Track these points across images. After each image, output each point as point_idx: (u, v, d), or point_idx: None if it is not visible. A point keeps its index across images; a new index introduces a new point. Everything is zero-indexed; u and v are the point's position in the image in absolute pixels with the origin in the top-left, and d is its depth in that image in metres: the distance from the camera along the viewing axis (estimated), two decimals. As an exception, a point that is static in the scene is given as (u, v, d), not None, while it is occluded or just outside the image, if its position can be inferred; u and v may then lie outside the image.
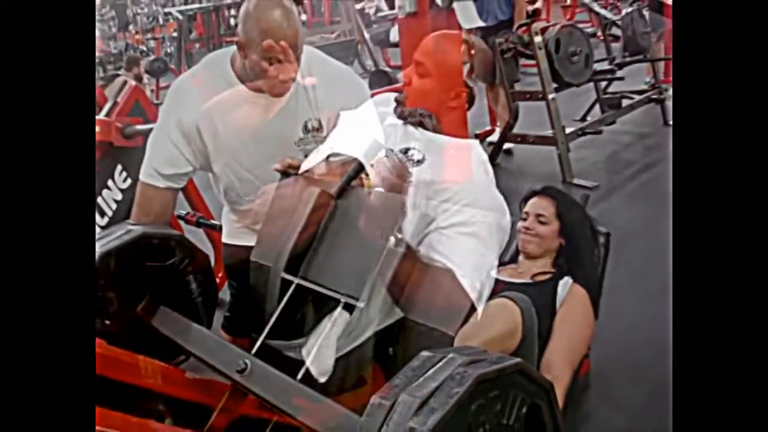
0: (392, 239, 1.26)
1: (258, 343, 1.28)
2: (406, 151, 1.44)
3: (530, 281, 1.97)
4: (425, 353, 1.02)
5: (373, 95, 1.81)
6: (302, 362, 1.25)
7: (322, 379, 1.25)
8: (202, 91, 1.77)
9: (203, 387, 1.45)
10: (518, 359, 1.01)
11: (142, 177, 1.83)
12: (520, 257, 2.10)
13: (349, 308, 1.26)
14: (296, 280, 1.32)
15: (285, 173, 1.49)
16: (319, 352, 1.26)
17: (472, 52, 3.94)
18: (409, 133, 1.50)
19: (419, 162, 1.42)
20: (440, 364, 0.98)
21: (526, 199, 2.15)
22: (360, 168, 1.36)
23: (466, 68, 1.58)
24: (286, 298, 1.31)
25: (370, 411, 0.94)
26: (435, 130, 1.56)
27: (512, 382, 0.99)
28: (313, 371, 1.24)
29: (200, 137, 1.77)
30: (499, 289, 1.81)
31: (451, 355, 1.00)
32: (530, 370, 1.02)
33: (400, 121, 1.52)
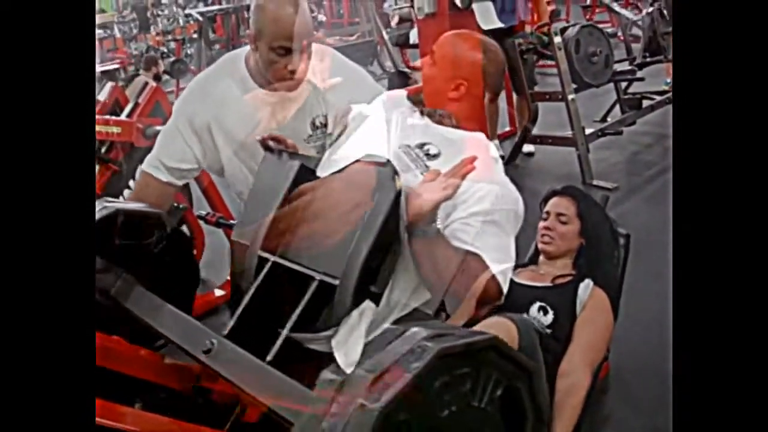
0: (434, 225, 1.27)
1: (232, 322, 1.23)
2: (422, 145, 1.47)
3: (550, 284, 1.96)
4: (386, 327, 0.96)
5: None
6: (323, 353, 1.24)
7: (349, 371, 1.24)
8: (215, 89, 1.79)
9: (178, 371, 1.42)
10: (492, 334, 0.93)
11: (144, 166, 1.85)
12: (540, 258, 2.09)
13: (376, 299, 1.24)
14: (272, 258, 1.28)
15: (267, 146, 1.48)
16: (349, 343, 1.26)
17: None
18: (429, 127, 1.53)
19: (435, 156, 1.45)
20: (402, 337, 0.90)
21: (546, 199, 2.14)
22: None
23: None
24: (261, 277, 1.27)
25: (321, 387, 0.86)
26: (454, 128, 1.58)
27: (483, 359, 0.89)
28: (341, 362, 1.23)
29: (211, 136, 1.78)
30: (518, 293, 1.80)
31: (414, 329, 0.92)
32: (506, 348, 0.93)
33: (420, 121, 1.55)
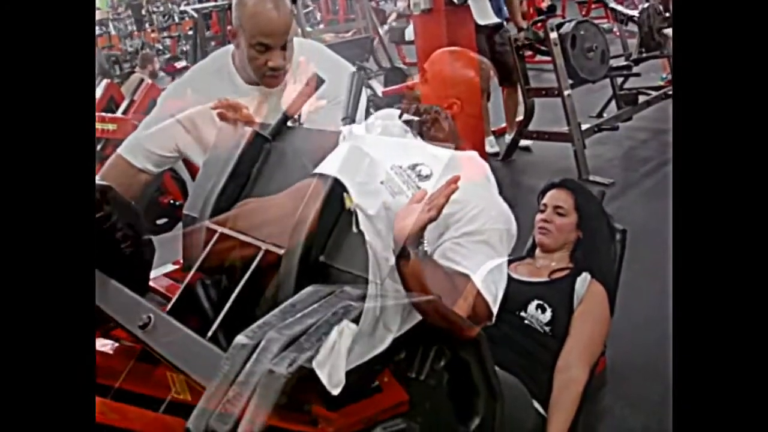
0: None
1: (176, 297, 1.17)
2: (414, 166, 1.45)
3: (547, 279, 1.97)
4: (312, 287, 0.85)
5: (385, 93, 1.82)
6: None
7: (335, 391, 1.21)
8: (204, 83, 1.81)
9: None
10: (431, 297, 0.83)
11: (120, 149, 1.84)
12: (537, 251, 2.09)
13: (356, 319, 1.21)
14: (220, 229, 1.24)
15: (223, 116, 1.43)
16: (330, 363, 1.24)
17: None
18: (421, 147, 1.51)
19: (427, 177, 1.43)
20: (327, 298, 0.81)
21: (544, 191, 2.14)
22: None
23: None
24: (209, 247, 1.21)
25: (232, 353, 0.78)
26: (451, 129, 1.57)
27: (420, 325, 0.80)
28: (326, 383, 1.21)
29: (196, 127, 1.79)
30: (516, 289, 1.81)
31: (343, 289, 0.84)
32: (449, 314, 0.83)
33: (413, 140, 1.55)
